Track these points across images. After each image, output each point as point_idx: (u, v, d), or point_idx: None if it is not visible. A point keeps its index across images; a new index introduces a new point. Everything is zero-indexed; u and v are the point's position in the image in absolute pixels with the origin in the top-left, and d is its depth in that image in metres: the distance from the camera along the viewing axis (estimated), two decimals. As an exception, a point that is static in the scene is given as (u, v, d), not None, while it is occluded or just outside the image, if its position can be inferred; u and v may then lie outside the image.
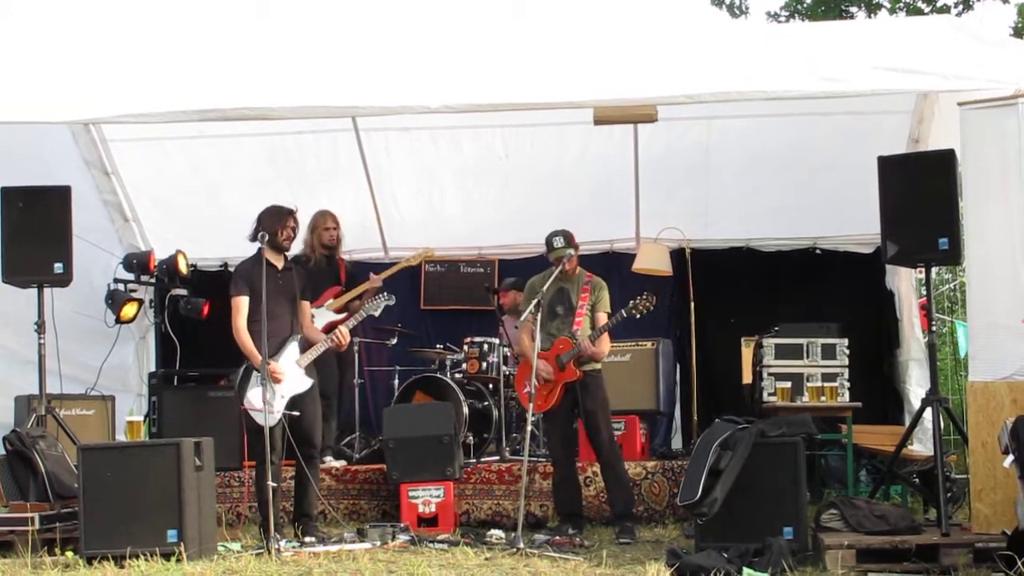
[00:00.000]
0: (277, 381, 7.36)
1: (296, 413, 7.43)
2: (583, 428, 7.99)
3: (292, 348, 7.56)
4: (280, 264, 7.67)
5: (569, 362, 7.74)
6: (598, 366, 7.91)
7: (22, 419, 8.25)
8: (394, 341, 10.05)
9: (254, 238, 7.61)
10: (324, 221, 9.30)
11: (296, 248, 8.46)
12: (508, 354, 9.42)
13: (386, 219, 10.70)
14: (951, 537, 6.42)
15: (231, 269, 10.53)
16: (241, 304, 7.52)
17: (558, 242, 7.82)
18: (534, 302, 7.59)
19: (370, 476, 8.68)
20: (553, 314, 7.77)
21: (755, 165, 9.89)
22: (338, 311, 9.08)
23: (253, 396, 7.33)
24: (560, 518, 7.93)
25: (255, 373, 7.35)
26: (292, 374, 7.50)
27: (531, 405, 7.43)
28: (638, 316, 7.84)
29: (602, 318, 7.86)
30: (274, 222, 7.61)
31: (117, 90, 7.28)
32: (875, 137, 8.78)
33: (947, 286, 13.15)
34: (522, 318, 7.69)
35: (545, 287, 7.67)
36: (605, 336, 7.88)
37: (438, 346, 9.94)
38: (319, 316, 8.68)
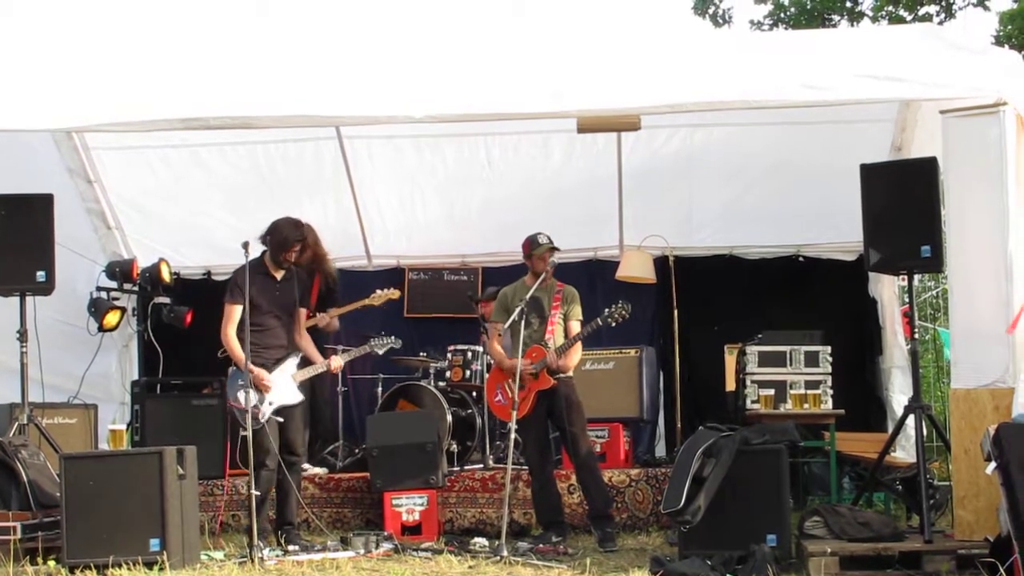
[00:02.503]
0: (265, 389, 7.37)
1: (281, 419, 7.44)
2: (561, 436, 7.97)
3: (290, 362, 7.61)
4: (280, 275, 7.66)
5: (542, 370, 7.75)
6: (570, 373, 7.91)
7: (4, 428, 8.18)
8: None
9: (263, 241, 7.58)
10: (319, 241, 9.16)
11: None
12: (491, 362, 9.41)
13: (369, 227, 10.66)
14: (934, 544, 6.43)
15: (214, 278, 10.57)
16: (233, 313, 7.48)
17: (543, 239, 7.86)
18: (518, 308, 7.60)
19: (353, 484, 8.66)
20: (526, 323, 7.76)
21: (738, 173, 9.92)
22: None
23: (241, 395, 7.32)
24: (542, 527, 7.92)
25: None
26: (284, 385, 7.51)
27: (514, 412, 7.43)
28: (613, 324, 7.86)
29: (574, 327, 7.88)
30: (288, 238, 7.58)
31: (100, 98, 7.27)
32: (858, 145, 8.80)
33: (929, 293, 13.18)
34: (507, 324, 7.69)
35: (529, 294, 7.69)
36: (577, 345, 7.88)
37: (421, 354, 9.90)
38: None
